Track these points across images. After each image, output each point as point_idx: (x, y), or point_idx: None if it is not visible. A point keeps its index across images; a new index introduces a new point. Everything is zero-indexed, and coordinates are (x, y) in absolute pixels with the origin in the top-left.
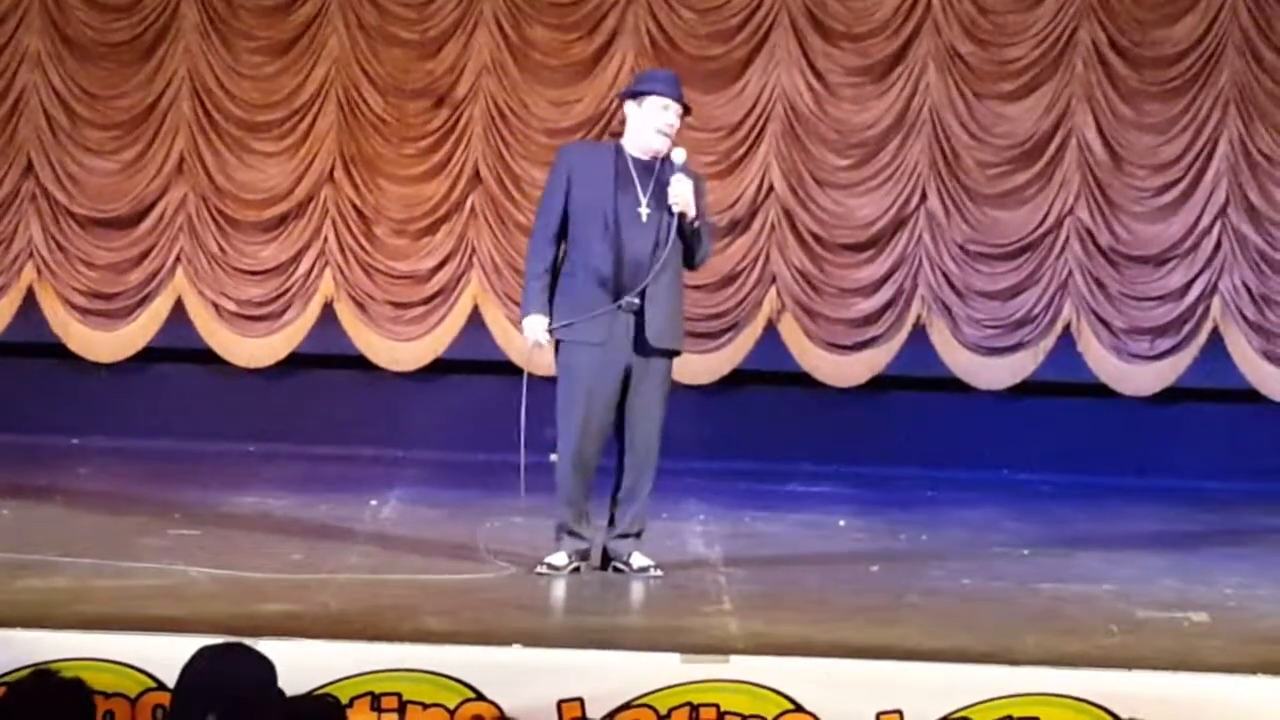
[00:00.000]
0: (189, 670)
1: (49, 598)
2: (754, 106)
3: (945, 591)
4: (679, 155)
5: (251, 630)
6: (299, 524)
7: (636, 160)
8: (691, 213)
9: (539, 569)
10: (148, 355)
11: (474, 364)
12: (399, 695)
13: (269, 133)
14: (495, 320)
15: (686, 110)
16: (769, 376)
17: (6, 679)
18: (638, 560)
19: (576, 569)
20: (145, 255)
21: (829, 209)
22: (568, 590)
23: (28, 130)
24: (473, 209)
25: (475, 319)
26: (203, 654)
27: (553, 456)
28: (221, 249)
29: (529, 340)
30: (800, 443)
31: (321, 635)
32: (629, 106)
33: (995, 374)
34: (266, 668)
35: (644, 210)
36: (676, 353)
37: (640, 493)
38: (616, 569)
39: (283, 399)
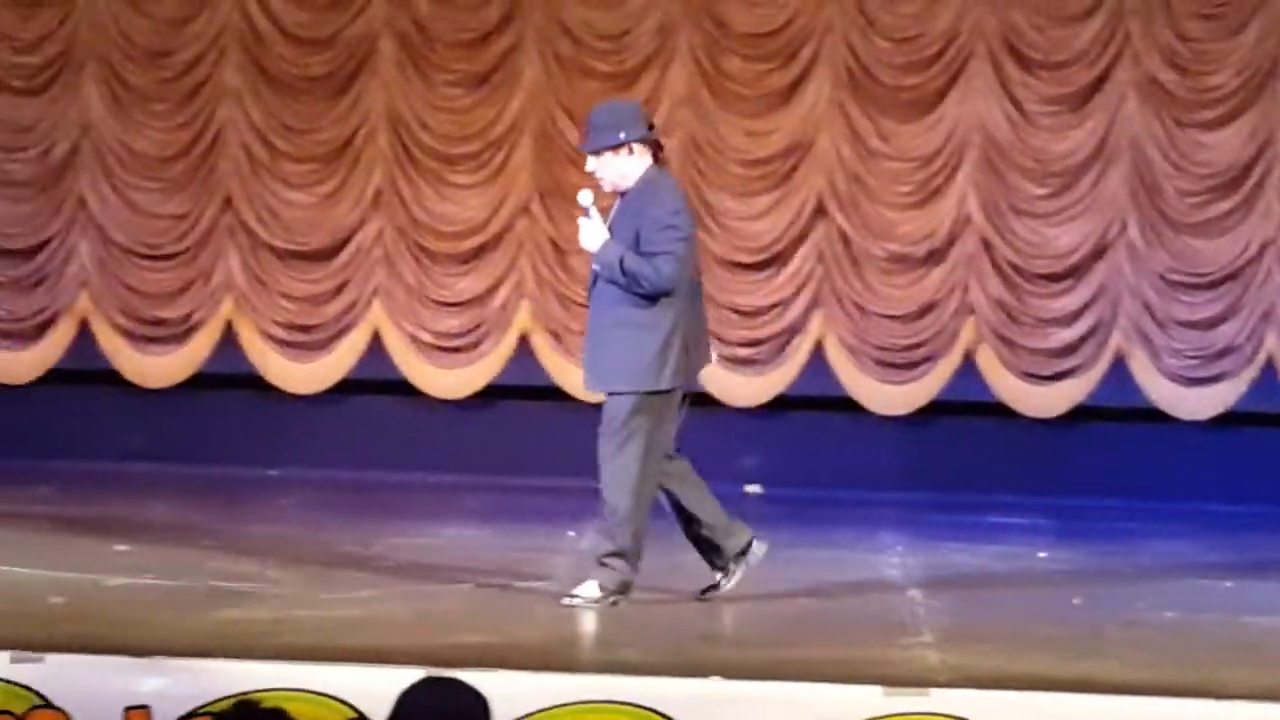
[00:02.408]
0: (405, 702)
1: (250, 628)
2: (951, 136)
3: (1148, 624)
4: (585, 198)
5: (451, 661)
6: (497, 555)
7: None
8: (594, 250)
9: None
10: (345, 387)
11: None
12: None
13: (465, 165)
14: None
15: (609, 149)
16: (966, 407)
17: (210, 709)
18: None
19: (614, 602)
20: (342, 288)
21: (1027, 239)
22: (765, 622)
23: (227, 165)
24: None
25: None
26: (419, 686)
27: (747, 488)
28: (418, 281)
29: None
30: (998, 474)
31: (520, 666)
32: None
33: (1197, 404)
34: (480, 703)
35: None
36: (629, 394)
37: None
38: None
39: (479, 430)
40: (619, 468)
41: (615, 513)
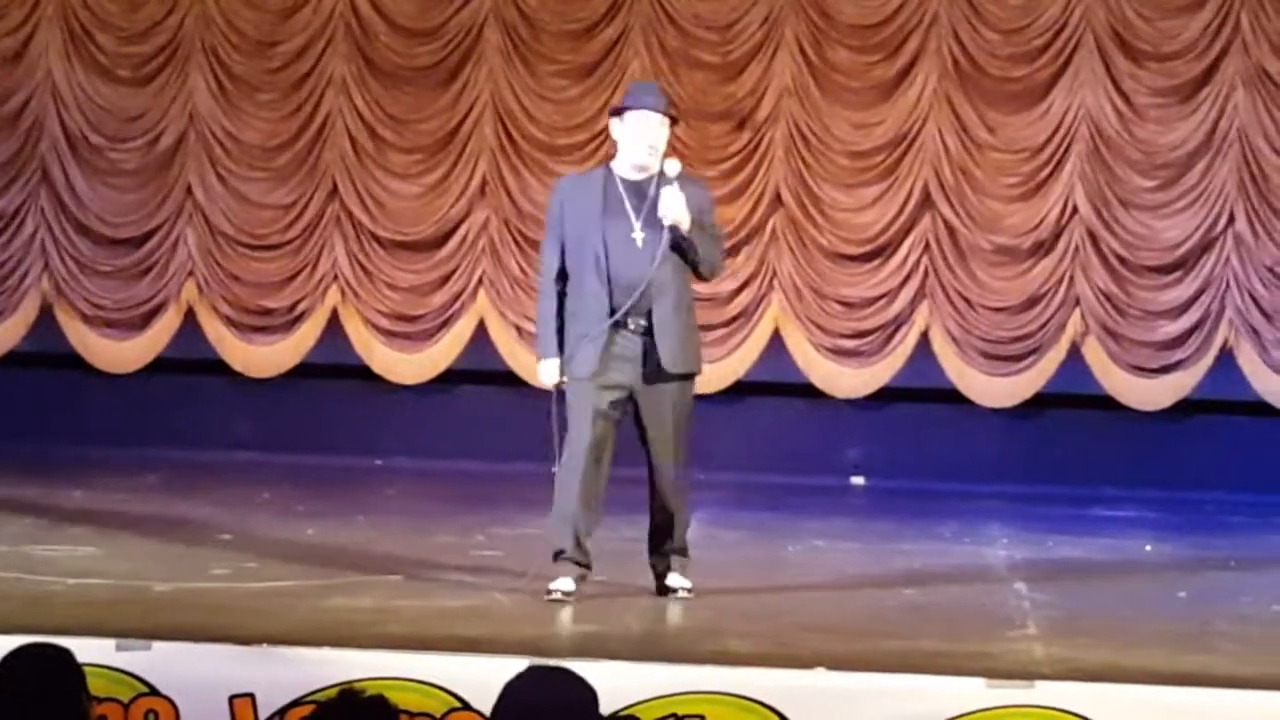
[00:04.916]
0: (511, 691)
1: (355, 617)
2: (1058, 128)
3: (1255, 618)
4: (672, 167)
5: (555, 651)
6: (602, 546)
7: (627, 182)
8: (685, 224)
9: (549, 595)
10: (449, 377)
11: (775, 386)
12: (702, 717)
13: (570, 156)
14: (796, 343)
15: (674, 121)
16: (1072, 399)
17: (315, 697)
18: (673, 580)
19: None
20: (448, 278)
21: (1134, 231)
22: (868, 613)
23: (332, 154)
24: (774, 231)
25: (776, 341)
26: (525, 676)
27: (852, 479)
28: (523, 271)
29: (546, 384)
30: (1104, 466)
31: (624, 656)
32: (614, 124)
33: None
34: (588, 693)
35: (638, 235)
36: (693, 376)
37: (677, 513)
38: (661, 588)
39: None
40: (688, 458)
41: (687, 501)
